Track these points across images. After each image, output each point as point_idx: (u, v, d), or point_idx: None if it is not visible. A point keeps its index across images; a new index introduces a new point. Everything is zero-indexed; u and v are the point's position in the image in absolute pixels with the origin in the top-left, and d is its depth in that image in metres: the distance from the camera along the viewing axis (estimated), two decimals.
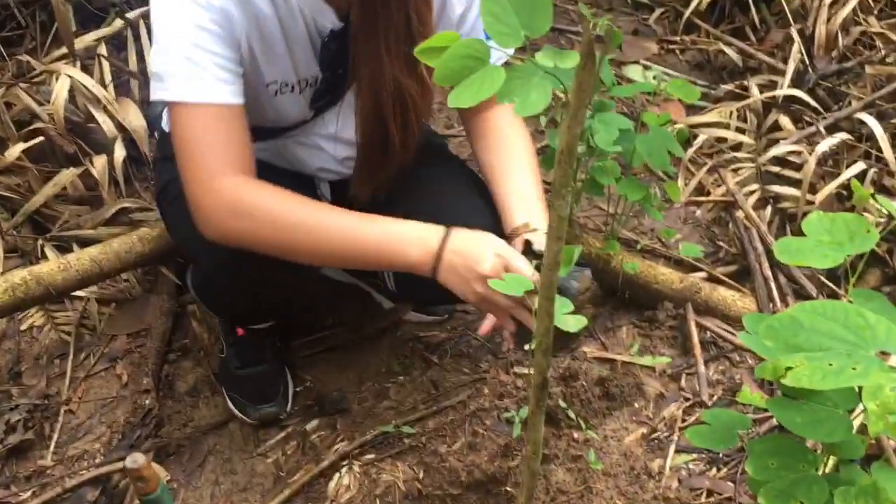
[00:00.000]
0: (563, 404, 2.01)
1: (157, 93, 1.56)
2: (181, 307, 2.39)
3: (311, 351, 2.31)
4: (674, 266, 2.42)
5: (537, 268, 1.49)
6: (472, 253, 1.50)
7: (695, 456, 1.96)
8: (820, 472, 1.23)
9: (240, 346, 2.14)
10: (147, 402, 2.08)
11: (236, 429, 2.11)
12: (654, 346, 2.24)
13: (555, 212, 0.97)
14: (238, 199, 1.51)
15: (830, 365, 1.07)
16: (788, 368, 1.08)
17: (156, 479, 1.29)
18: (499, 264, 1.49)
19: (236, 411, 2.11)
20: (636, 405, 2.09)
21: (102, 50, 2.56)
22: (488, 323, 1.66)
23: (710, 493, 1.87)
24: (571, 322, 1.19)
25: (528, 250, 1.58)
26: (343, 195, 1.84)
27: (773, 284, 2.30)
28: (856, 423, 1.26)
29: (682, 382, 2.14)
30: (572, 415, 2.00)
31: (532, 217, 1.66)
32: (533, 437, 1.30)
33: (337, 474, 1.97)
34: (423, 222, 1.54)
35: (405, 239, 1.52)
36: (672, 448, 1.97)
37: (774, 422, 1.95)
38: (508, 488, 1.84)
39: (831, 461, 1.28)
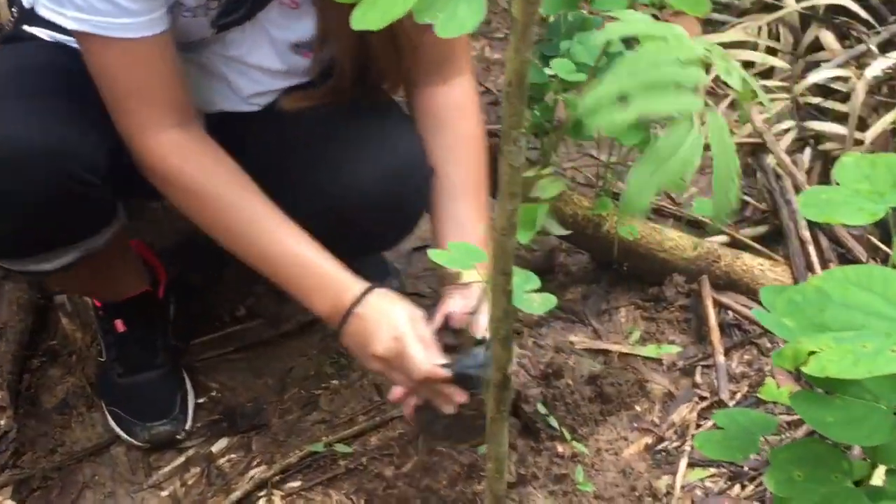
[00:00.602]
0: (542, 410, 2.03)
1: (58, 14, 1.62)
2: (46, 299, 2.38)
3: (218, 351, 2.33)
4: (686, 229, 2.45)
5: (452, 349, 1.70)
6: (370, 329, 1.70)
7: (712, 471, 2.00)
8: (858, 484, 1.26)
9: (123, 345, 2.15)
10: (2, 422, 2.07)
11: (121, 454, 2.11)
12: (661, 333, 2.27)
13: (505, 160, 0.99)
14: (169, 167, 1.72)
15: (865, 347, 1.09)
16: (812, 353, 1.11)
17: None
18: (393, 349, 1.68)
19: (120, 431, 2.12)
20: (638, 408, 2.12)
21: None
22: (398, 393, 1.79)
23: None
24: (537, 302, 1.21)
25: (446, 327, 1.75)
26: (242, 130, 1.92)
27: (812, 249, 2.33)
28: None
29: (697, 378, 2.17)
30: (555, 423, 2.02)
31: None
32: (495, 452, 1.33)
33: None
34: (351, 275, 1.75)
35: (321, 287, 1.75)
36: (684, 462, 2.01)
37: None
38: None
39: (872, 469, 1.31)
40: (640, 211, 1.14)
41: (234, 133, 1.88)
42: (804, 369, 1.11)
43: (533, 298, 1.22)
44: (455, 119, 1.91)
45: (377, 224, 1.89)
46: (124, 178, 1.75)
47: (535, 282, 1.22)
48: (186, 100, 1.76)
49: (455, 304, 1.76)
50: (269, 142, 1.93)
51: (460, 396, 1.71)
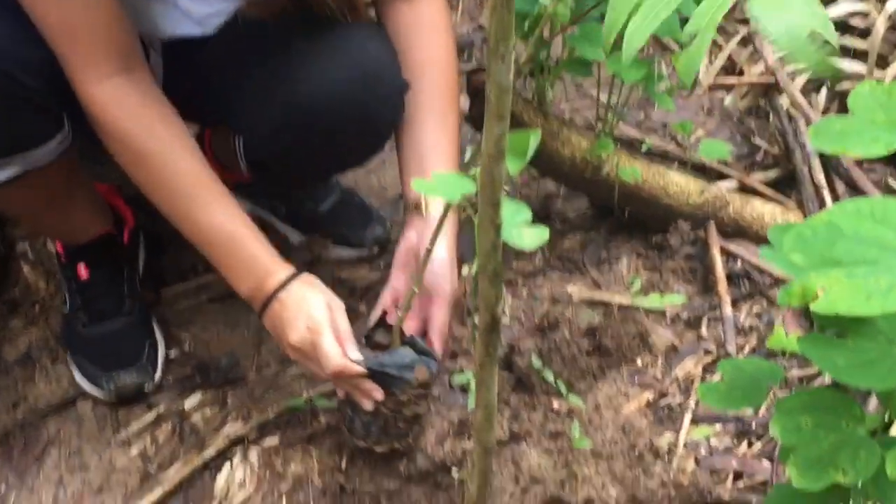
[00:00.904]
0: (537, 363, 2.04)
1: None
2: (5, 246, 2.38)
3: (190, 301, 2.33)
4: (692, 173, 2.45)
5: (382, 346, 1.82)
6: (288, 317, 1.76)
7: (718, 428, 2.01)
8: (869, 432, 1.27)
9: (87, 292, 2.16)
10: None
11: (87, 409, 2.12)
12: (665, 283, 2.27)
13: (492, 79, 0.98)
14: (108, 119, 1.73)
15: (878, 282, 1.09)
16: (821, 290, 1.11)
17: None
18: (307, 340, 1.74)
19: (85, 383, 2.13)
20: (639, 362, 2.13)
21: None
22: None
23: (738, 475, 1.92)
24: (529, 235, 1.20)
25: (383, 322, 1.85)
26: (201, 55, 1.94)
27: (827, 194, 2.33)
28: None
29: (703, 330, 2.17)
30: (550, 377, 2.03)
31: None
32: (484, 400, 1.33)
33: (227, 465, 1.99)
34: (280, 259, 1.81)
35: (246, 267, 1.80)
36: (687, 418, 2.02)
37: (828, 379, 1.99)
38: (464, 478, 1.88)
39: (888, 422, 1.32)
40: (632, 50, 1.16)
41: (192, 59, 1.88)
42: (813, 306, 1.11)
43: (524, 232, 1.21)
44: (423, 38, 1.91)
45: (344, 135, 1.89)
46: (69, 90, 1.74)
47: (527, 213, 1.21)
48: (131, 41, 1.75)
49: (399, 281, 1.86)
50: (229, 61, 1.94)
51: (377, 394, 1.77)
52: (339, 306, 1.79)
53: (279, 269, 1.80)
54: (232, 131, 2.09)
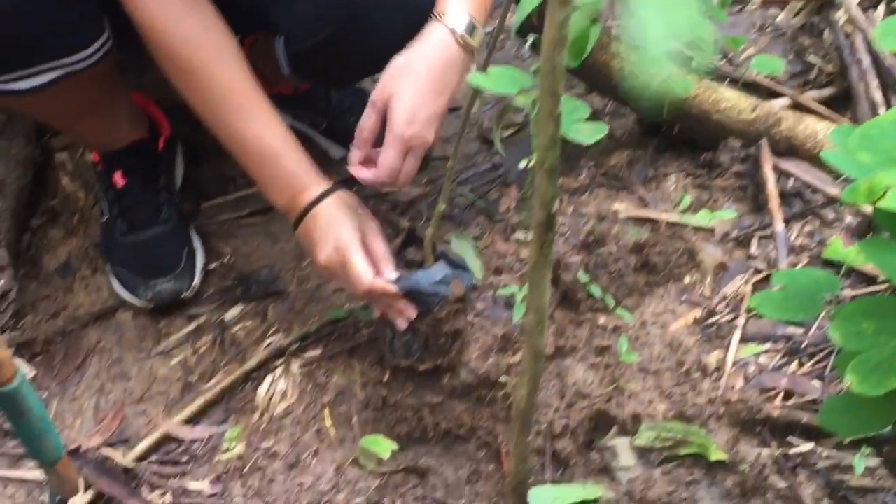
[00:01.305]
0: (584, 278, 2.03)
1: None
2: (45, 155, 2.39)
3: (231, 214, 2.34)
4: (743, 90, 2.42)
5: (416, 264, 1.82)
6: (318, 235, 1.78)
7: (767, 346, 2.00)
8: None
9: (124, 201, 2.17)
10: (1, 282, 2.10)
11: (128, 319, 2.14)
12: (714, 201, 2.25)
13: None
14: (151, 25, 1.73)
15: None
16: (888, 188, 1.10)
17: (11, 366, 1.31)
18: (334, 260, 1.76)
19: (124, 292, 2.15)
20: (687, 280, 2.11)
21: None
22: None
23: (788, 394, 1.91)
24: (587, 131, 1.19)
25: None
26: None
27: (883, 111, 2.30)
28: None
29: (753, 248, 2.16)
30: (597, 292, 2.02)
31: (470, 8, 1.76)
32: (536, 301, 1.32)
33: (269, 377, 2.01)
34: (316, 173, 1.83)
35: (282, 180, 1.82)
36: (736, 336, 2.00)
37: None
38: (508, 392, 1.88)
39: None
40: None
41: None
42: (880, 204, 1.09)
43: (582, 127, 1.19)
44: None
45: (388, 20, 1.84)
46: None
47: (585, 110, 1.20)
48: None
49: (369, 118, 1.85)
50: None
51: (410, 312, 1.78)
52: (372, 226, 1.80)
53: (315, 184, 1.81)
54: (272, 30, 2.07)
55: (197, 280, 2.17)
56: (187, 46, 1.75)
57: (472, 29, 1.74)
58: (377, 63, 2.17)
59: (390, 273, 1.75)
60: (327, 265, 1.78)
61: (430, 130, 1.76)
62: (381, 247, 1.79)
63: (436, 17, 1.78)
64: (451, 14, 1.76)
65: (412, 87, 1.75)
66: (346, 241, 1.75)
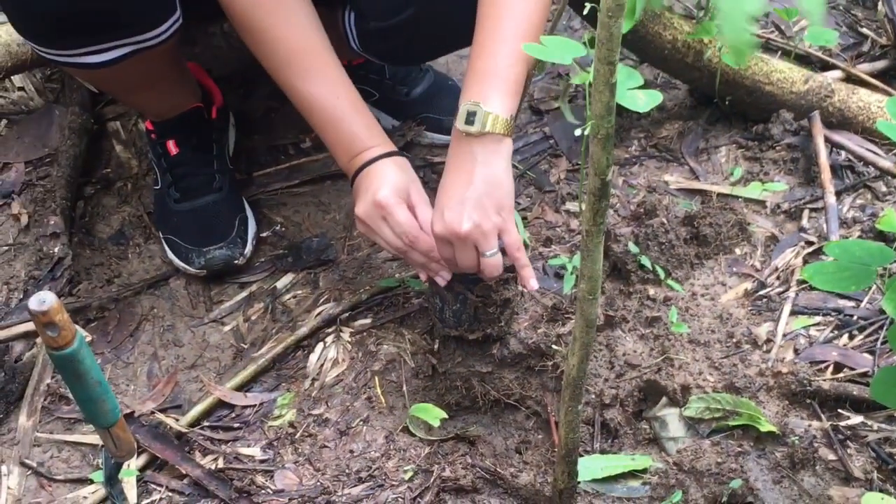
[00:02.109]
0: (634, 249, 2.04)
1: None
2: (98, 124, 2.42)
3: (282, 184, 2.36)
4: (796, 62, 2.41)
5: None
6: (363, 189, 1.84)
7: (818, 319, 2.00)
8: None
9: (177, 169, 2.19)
10: (56, 249, 2.13)
11: (180, 287, 2.17)
12: (765, 173, 2.25)
13: None
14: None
15: None
16: None
17: (71, 328, 1.33)
18: (371, 214, 1.82)
19: (177, 260, 2.17)
20: (737, 251, 2.12)
21: None
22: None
23: (838, 367, 1.91)
24: (642, 99, 1.20)
25: None
26: None
27: None
28: None
29: (804, 221, 2.16)
30: (647, 263, 2.03)
31: (479, 95, 1.73)
32: (589, 271, 1.33)
33: (320, 345, 2.03)
34: (377, 135, 1.88)
35: (345, 140, 1.87)
36: (787, 308, 2.01)
37: None
38: (557, 362, 1.89)
39: None
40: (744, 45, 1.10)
41: None
42: None
43: (637, 95, 1.20)
44: None
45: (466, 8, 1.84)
46: None
47: (639, 78, 1.21)
48: None
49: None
50: None
51: (445, 272, 1.84)
52: (421, 193, 1.85)
53: (375, 145, 1.86)
54: (343, 3, 2.08)
55: (249, 248, 2.19)
56: (260, 7, 1.79)
57: (472, 115, 1.71)
58: (447, 47, 2.18)
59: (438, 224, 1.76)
60: (363, 218, 1.83)
61: (460, 220, 1.72)
62: (425, 213, 1.82)
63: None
64: (460, 106, 1.75)
65: (439, 190, 1.77)
66: (388, 194, 1.80)
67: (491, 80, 1.73)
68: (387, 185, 1.81)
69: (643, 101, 1.21)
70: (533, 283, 1.80)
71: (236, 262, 2.16)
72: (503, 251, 1.76)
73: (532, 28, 1.75)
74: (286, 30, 1.81)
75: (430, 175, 2.31)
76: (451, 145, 1.78)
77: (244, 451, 1.90)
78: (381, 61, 2.27)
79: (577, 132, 1.31)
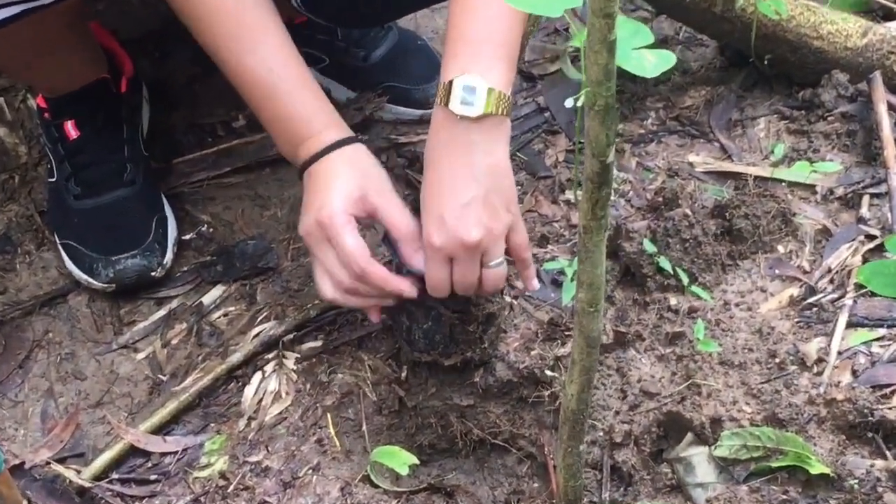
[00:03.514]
0: (650, 248, 2.03)
1: None
2: None
3: (209, 174, 2.35)
4: (850, 11, 2.41)
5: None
6: (309, 197, 1.83)
7: (882, 333, 1.99)
8: None
9: (78, 157, 2.18)
10: None
11: (81, 305, 2.16)
12: (815, 150, 2.25)
13: None
14: None
15: None
16: None
17: None
18: (317, 234, 1.80)
19: (78, 271, 2.16)
20: (780, 249, 2.12)
21: None
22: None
23: None
24: (650, 61, 1.19)
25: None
26: None
27: None
28: None
29: (863, 209, 2.16)
30: (667, 265, 2.03)
31: (472, 64, 1.73)
32: (589, 276, 1.34)
33: (258, 375, 2.03)
34: (327, 118, 1.86)
35: (291, 127, 1.86)
36: (842, 320, 2.00)
37: None
38: (556, 391, 1.89)
39: None
40: None
41: None
42: None
43: (645, 57, 1.20)
44: None
45: None
46: None
47: (648, 35, 1.20)
48: None
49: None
50: None
51: (409, 290, 1.80)
52: (387, 194, 1.83)
53: (323, 132, 1.84)
54: None
55: (169, 256, 2.18)
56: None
57: (470, 93, 1.70)
58: (403, 7, 2.18)
59: (419, 262, 1.78)
60: (305, 237, 1.82)
61: (468, 226, 1.72)
62: (398, 217, 1.81)
63: (438, 88, 1.78)
64: (447, 81, 1.74)
65: (428, 191, 1.77)
66: (332, 211, 1.77)
67: (485, 47, 1.73)
68: (333, 195, 1.79)
69: (651, 63, 1.20)
70: (535, 283, 1.83)
71: (153, 273, 2.15)
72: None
73: None
74: (247, 29, 1.82)
75: (396, 160, 2.31)
76: (437, 131, 1.77)
77: None
78: (332, 24, 2.27)
79: (569, 103, 1.29)
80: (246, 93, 1.85)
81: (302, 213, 1.83)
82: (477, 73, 1.69)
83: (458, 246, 1.71)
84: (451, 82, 1.70)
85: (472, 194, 1.70)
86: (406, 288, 1.79)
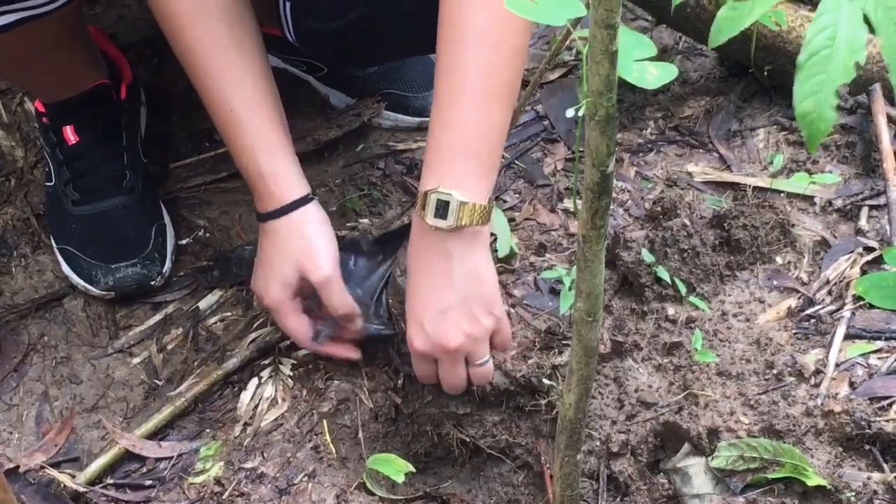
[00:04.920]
0: (649, 258, 2.04)
1: None
2: None
3: (206, 179, 2.36)
4: None
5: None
6: (265, 259, 1.94)
7: (880, 345, 1.99)
8: None
9: (77, 163, 2.18)
10: None
11: (77, 309, 2.16)
12: (813, 161, 2.26)
13: None
14: (164, 9, 1.83)
15: None
16: None
17: None
18: (275, 301, 1.92)
19: (76, 277, 2.16)
20: (779, 260, 2.12)
21: None
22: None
23: None
24: (652, 73, 1.20)
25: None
26: None
27: None
28: None
29: (862, 221, 2.16)
30: (666, 275, 2.03)
31: (447, 178, 1.75)
32: (588, 285, 1.34)
33: (254, 381, 2.03)
34: (289, 174, 1.92)
35: (247, 177, 1.94)
36: (840, 331, 2.00)
37: None
38: (553, 400, 1.89)
39: None
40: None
41: None
42: None
43: (646, 68, 1.21)
44: (469, 17, 1.79)
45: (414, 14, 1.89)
46: None
47: (650, 47, 1.21)
48: None
49: None
50: None
51: (354, 354, 2.00)
52: (320, 267, 1.89)
53: (276, 192, 1.91)
54: None
55: (168, 265, 2.19)
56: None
57: (443, 207, 1.73)
58: (406, 51, 2.20)
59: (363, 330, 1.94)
60: (257, 299, 2.01)
61: (447, 333, 1.77)
62: (336, 303, 1.90)
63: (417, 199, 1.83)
64: (423, 193, 1.76)
65: (410, 296, 1.82)
66: (273, 300, 1.92)
67: (461, 159, 1.75)
68: (273, 283, 1.91)
69: (653, 75, 1.21)
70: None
71: (153, 282, 2.16)
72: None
73: (506, 86, 1.79)
74: (207, 26, 1.85)
75: (394, 166, 2.31)
76: (416, 237, 1.80)
77: None
78: (323, 62, 2.29)
79: (569, 113, 1.30)
80: (222, 132, 1.94)
81: (255, 265, 1.97)
82: (451, 186, 1.72)
83: (439, 350, 1.77)
84: (426, 194, 1.73)
85: (451, 301, 1.75)
86: (353, 355, 1.99)
